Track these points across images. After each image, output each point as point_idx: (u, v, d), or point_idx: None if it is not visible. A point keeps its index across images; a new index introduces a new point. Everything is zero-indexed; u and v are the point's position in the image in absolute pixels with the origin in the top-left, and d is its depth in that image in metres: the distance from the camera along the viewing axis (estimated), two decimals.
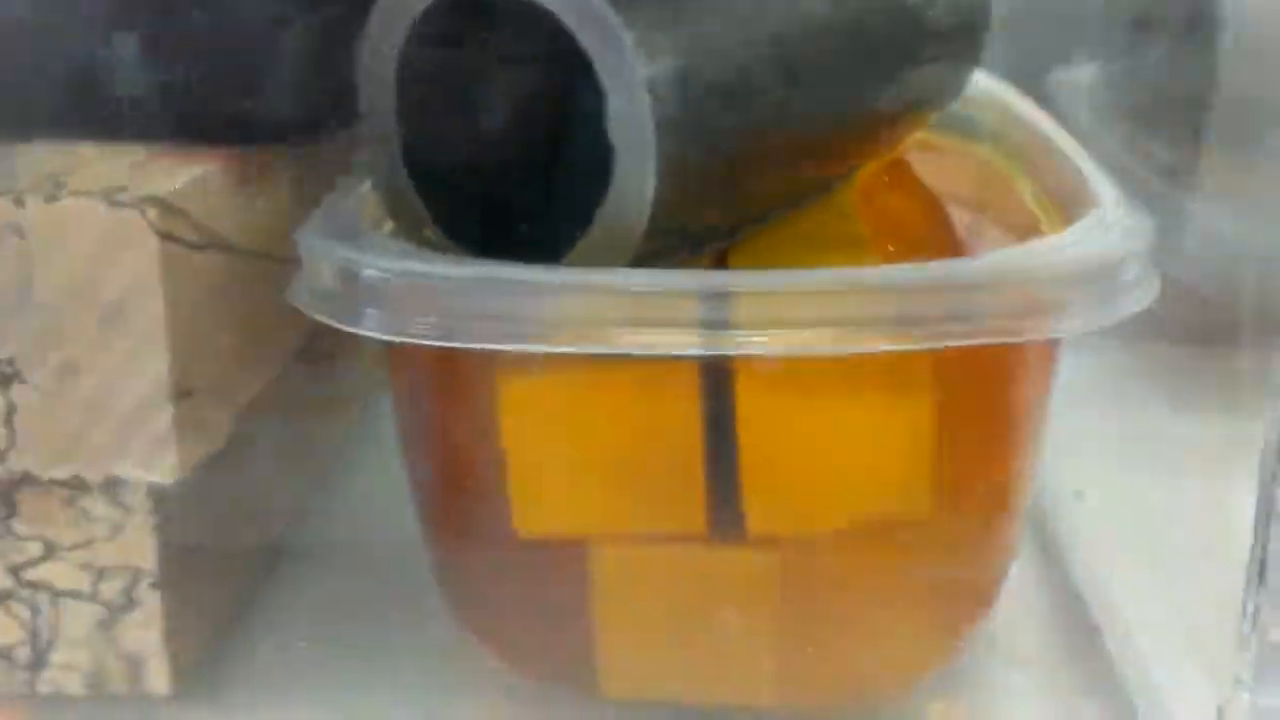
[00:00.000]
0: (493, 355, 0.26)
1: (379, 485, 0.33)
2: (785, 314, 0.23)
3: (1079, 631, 0.31)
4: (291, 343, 0.33)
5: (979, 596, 0.29)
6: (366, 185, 0.29)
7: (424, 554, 0.30)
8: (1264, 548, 0.25)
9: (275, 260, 0.30)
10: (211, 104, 0.28)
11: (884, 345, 0.23)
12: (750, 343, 0.23)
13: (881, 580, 0.28)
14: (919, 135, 0.36)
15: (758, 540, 0.27)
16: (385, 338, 0.25)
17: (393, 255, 0.25)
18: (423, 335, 0.24)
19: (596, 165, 0.25)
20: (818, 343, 0.23)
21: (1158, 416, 0.40)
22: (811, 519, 0.27)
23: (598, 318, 0.24)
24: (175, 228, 0.26)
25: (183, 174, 0.27)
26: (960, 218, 0.35)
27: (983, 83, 0.37)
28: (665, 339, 0.24)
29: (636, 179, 0.24)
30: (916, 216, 0.36)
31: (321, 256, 0.25)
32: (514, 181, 0.28)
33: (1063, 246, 0.25)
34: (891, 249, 0.31)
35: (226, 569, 0.32)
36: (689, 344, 0.24)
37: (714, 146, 0.26)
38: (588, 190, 0.25)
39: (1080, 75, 0.39)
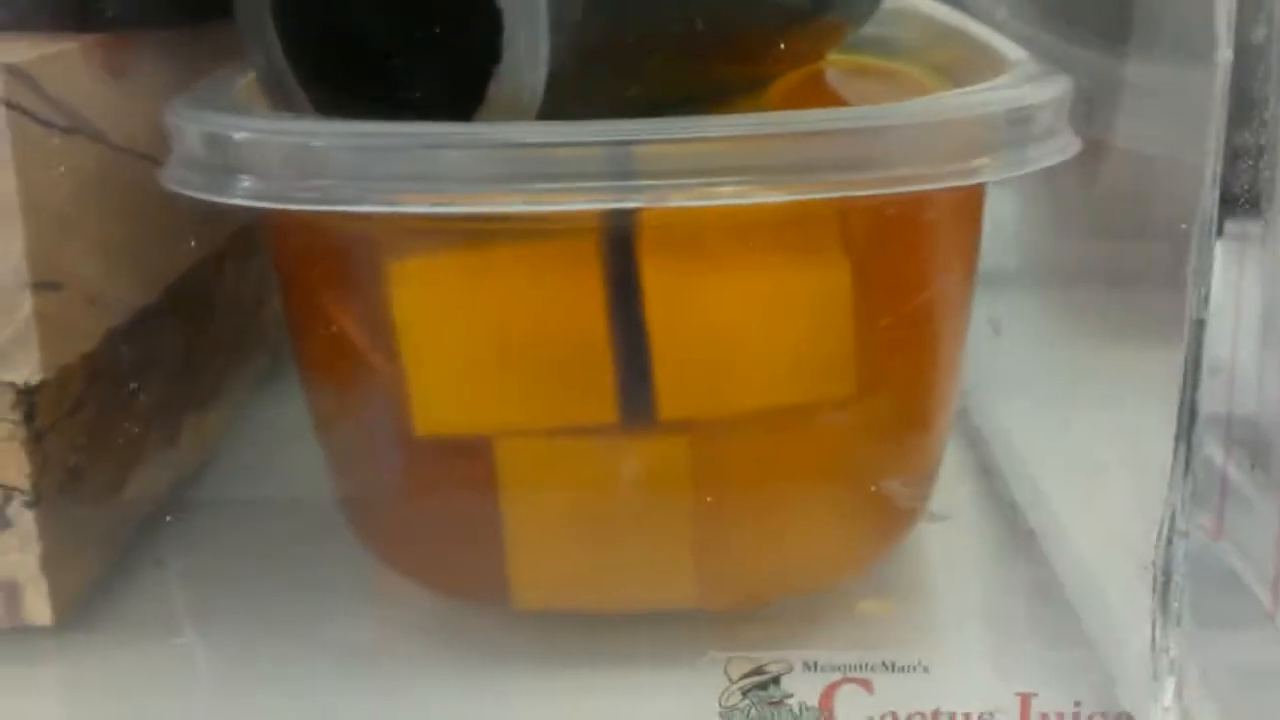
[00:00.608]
0: (380, 233, 0.25)
1: (294, 431, 0.31)
2: (689, 164, 0.22)
3: (1014, 535, 0.30)
4: (189, 258, 0.31)
5: (911, 486, 0.27)
6: (250, 75, 0.27)
7: (324, 472, 0.29)
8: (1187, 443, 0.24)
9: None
10: None
11: (790, 194, 0.22)
12: (656, 194, 0.22)
13: (806, 468, 0.26)
14: (838, 56, 0.35)
15: (671, 426, 0.25)
16: (259, 205, 0.23)
17: (268, 118, 0.23)
18: (301, 201, 0.23)
19: (490, 35, 0.23)
20: (724, 194, 0.22)
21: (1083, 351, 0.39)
22: (727, 401, 0.25)
23: (489, 173, 0.22)
24: (27, 100, 0.24)
25: (37, 48, 0.25)
26: None
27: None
28: (565, 196, 0.22)
29: (528, 45, 0.23)
30: None
31: (189, 123, 0.24)
32: (403, 63, 0.27)
33: (976, 94, 0.24)
34: None
35: (114, 494, 0.30)
36: (590, 198, 0.22)
37: (610, 10, 0.24)
38: (482, 64, 0.24)
39: None
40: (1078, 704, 0.21)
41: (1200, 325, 0.23)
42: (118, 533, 0.30)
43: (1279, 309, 0.32)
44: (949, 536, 0.30)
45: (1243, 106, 0.30)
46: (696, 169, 0.22)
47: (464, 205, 0.22)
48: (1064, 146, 0.24)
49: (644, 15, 0.26)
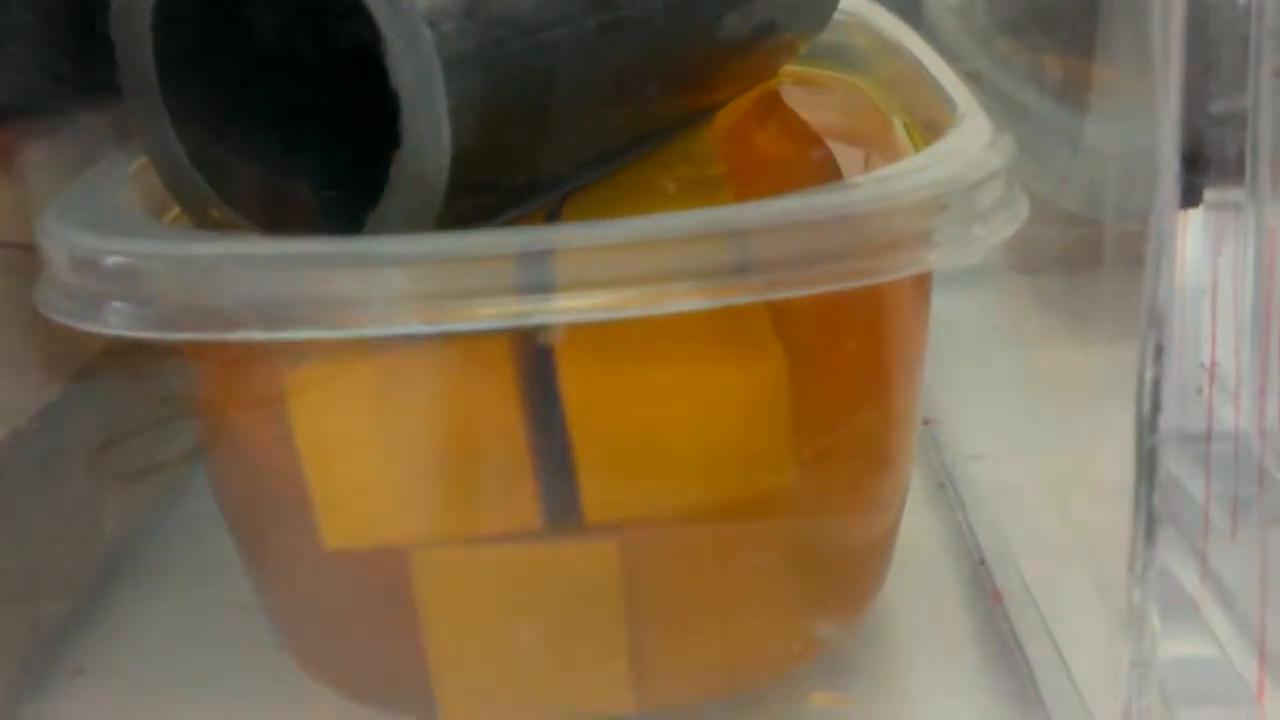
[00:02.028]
0: (277, 345, 0.23)
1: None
2: (608, 271, 0.20)
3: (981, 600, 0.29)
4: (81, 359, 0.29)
5: (862, 568, 0.26)
6: (134, 164, 0.25)
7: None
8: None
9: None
10: None
11: (722, 299, 0.20)
12: (574, 308, 0.20)
13: (746, 561, 0.25)
14: (793, 68, 0.33)
15: (598, 529, 0.23)
16: (135, 335, 0.21)
17: (143, 236, 0.21)
18: (180, 329, 0.21)
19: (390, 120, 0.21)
20: (624, 304, 0.20)
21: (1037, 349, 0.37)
22: (656, 500, 0.23)
23: (390, 292, 0.20)
24: None
25: None
26: (848, 155, 0.32)
27: (856, 5, 0.34)
28: (469, 312, 0.20)
29: (429, 126, 0.21)
30: (790, 153, 0.33)
31: (57, 243, 0.22)
32: (306, 146, 0.25)
33: (912, 172, 0.22)
34: (760, 189, 0.28)
35: (20, 601, 0.28)
36: (504, 316, 0.20)
37: (518, 82, 0.22)
38: (386, 150, 0.22)
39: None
40: None
41: (1158, 317, 0.20)
42: (24, 642, 0.28)
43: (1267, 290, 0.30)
44: (911, 612, 0.28)
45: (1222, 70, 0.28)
46: (609, 278, 0.20)
47: (349, 329, 0.20)
48: (1014, 215, 0.22)
49: (554, 84, 0.24)
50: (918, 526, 0.30)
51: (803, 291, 0.20)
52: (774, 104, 0.33)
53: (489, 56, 0.21)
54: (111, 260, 0.21)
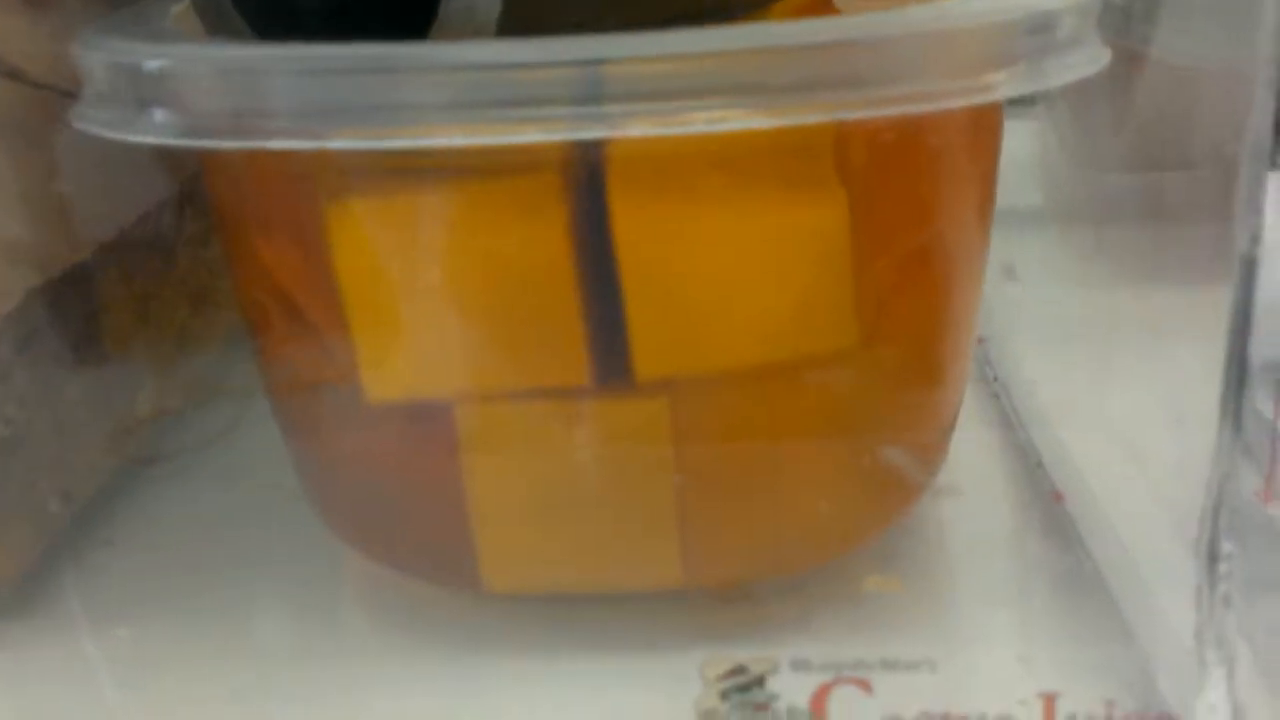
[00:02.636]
0: (319, 173, 0.22)
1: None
2: (665, 84, 0.19)
3: (1040, 503, 0.27)
4: (134, 208, 0.29)
5: (922, 449, 0.25)
6: (184, 3, 0.24)
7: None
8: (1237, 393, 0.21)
9: None
10: None
11: (779, 118, 0.19)
12: (628, 120, 0.19)
13: (802, 430, 0.23)
14: None
15: (650, 387, 0.22)
16: (173, 143, 0.20)
17: (185, 43, 0.21)
18: (221, 136, 0.20)
19: None
20: (704, 119, 0.19)
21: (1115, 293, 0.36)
22: (711, 356, 0.22)
23: (439, 100, 0.19)
24: None
25: None
26: None
27: None
28: (526, 125, 0.19)
29: None
30: None
31: (96, 51, 0.21)
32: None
33: (991, 5, 0.20)
34: None
35: (54, 469, 0.28)
36: (554, 127, 0.19)
37: None
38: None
39: None
40: (1110, 703, 0.18)
41: (1252, 263, 0.20)
42: (60, 511, 0.28)
43: None
44: (965, 506, 0.27)
45: None
46: (673, 90, 0.19)
47: (407, 139, 0.20)
48: (1091, 58, 0.21)
49: None
50: (971, 431, 0.29)
51: (868, 114, 0.19)
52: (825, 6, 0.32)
53: None
54: (152, 64, 0.20)
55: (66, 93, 0.25)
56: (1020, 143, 0.38)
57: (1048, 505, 0.27)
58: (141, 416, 0.30)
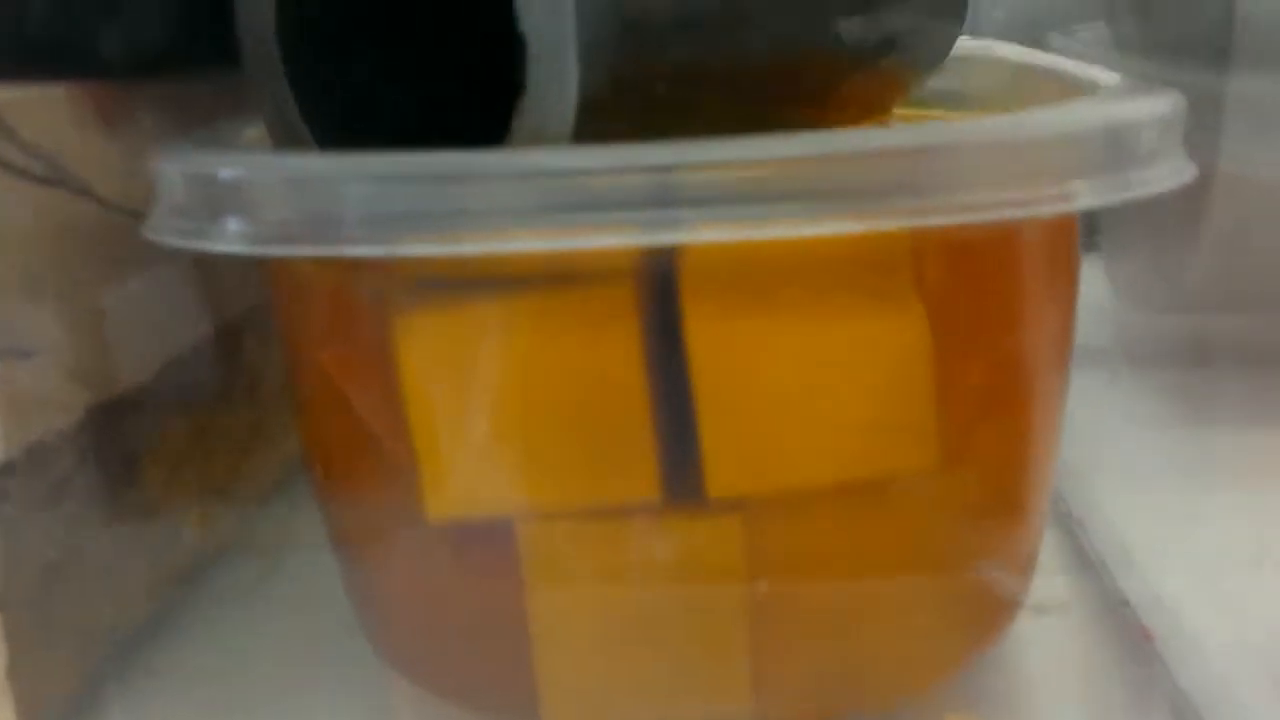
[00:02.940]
0: (386, 287, 0.22)
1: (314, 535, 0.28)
2: (739, 190, 0.19)
3: (1128, 636, 0.26)
4: (195, 332, 0.29)
5: (1006, 574, 0.24)
6: (258, 126, 0.25)
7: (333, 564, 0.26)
8: None
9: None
10: (55, 29, 0.24)
11: (856, 223, 0.19)
12: (702, 225, 0.19)
13: (880, 553, 0.22)
14: (905, 110, 0.32)
15: (722, 505, 0.22)
16: (247, 252, 0.20)
17: (259, 154, 0.21)
18: (293, 243, 0.20)
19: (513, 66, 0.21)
20: (779, 226, 0.19)
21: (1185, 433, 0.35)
22: (786, 474, 0.21)
23: (511, 206, 0.19)
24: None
25: (15, 92, 0.23)
26: None
27: (972, 45, 0.33)
28: (601, 229, 0.19)
29: (556, 71, 0.20)
30: None
31: (174, 165, 0.21)
32: (421, 98, 0.24)
33: (1067, 109, 0.20)
34: None
35: (101, 595, 0.27)
36: (629, 232, 0.19)
37: (649, 44, 0.22)
38: (506, 97, 0.21)
39: (1083, 35, 0.36)
40: None
41: None
42: (104, 638, 0.27)
43: None
44: (1050, 644, 0.26)
45: None
46: (747, 196, 0.19)
47: (477, 245, 0.19)
48: (1175, 171, 0.20)
49: (684, 46, 0.23)
50: (1050, 570, 0.28)
51: (946, 221, 0.19)
52: None
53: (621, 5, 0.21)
54: (226, 174, 0.20)
55: (134, 214, 0.25)
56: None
57: (1136, 645, 0.25)
58: (188, 549, 0.30)
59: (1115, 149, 0.20)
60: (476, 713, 0.25)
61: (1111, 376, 0.36)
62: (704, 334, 0.21)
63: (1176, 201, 0.33)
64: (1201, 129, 0.27)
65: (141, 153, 0.23)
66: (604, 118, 0.21)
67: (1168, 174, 0.20)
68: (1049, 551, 0.28)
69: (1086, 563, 0.28)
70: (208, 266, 0.28)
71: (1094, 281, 0.40)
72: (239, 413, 0.31)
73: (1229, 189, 0.30)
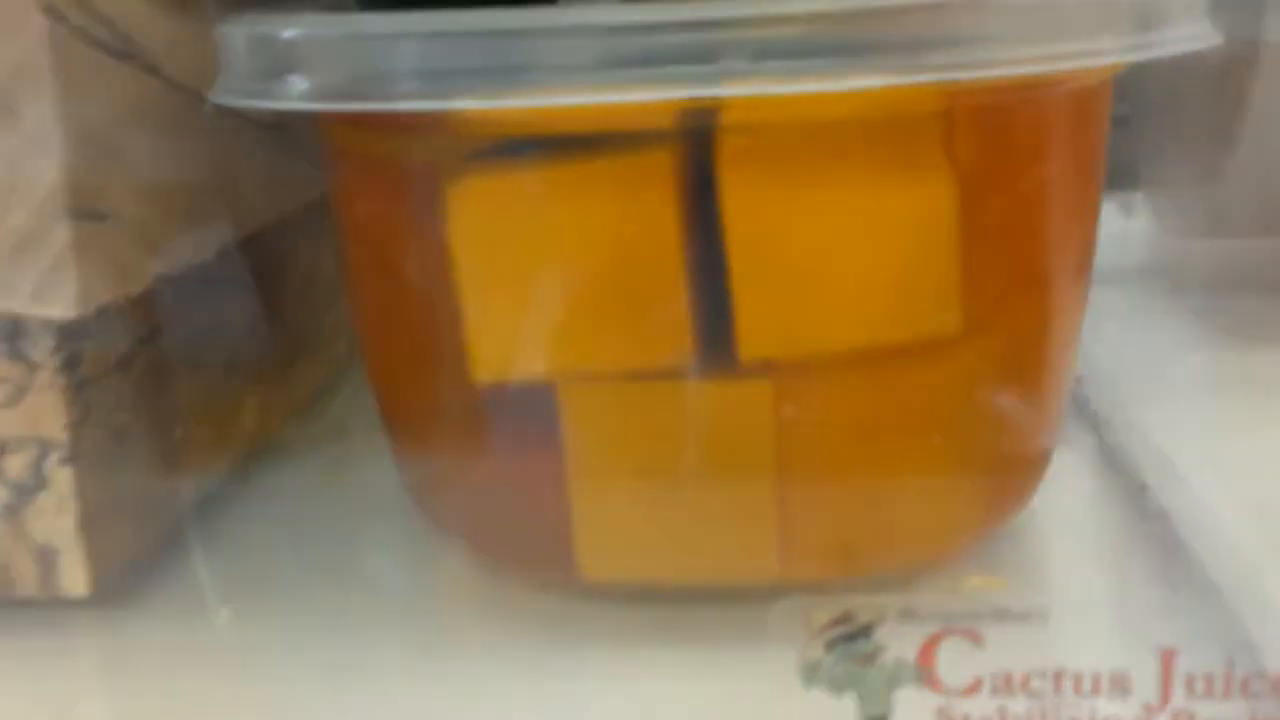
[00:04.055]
0: (437, 154, 0.23)
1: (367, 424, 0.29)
2: (776, 46, 0.20)
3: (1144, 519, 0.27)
4: (255, 219, 0.30)
5: (1030, 442, 0.24)
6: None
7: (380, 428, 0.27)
8: None
9: None
10: None
11: (893, 77, 0.20)
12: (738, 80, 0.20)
13: (906, 418, 0.23)
14: None
15: (753, 368, 0.23)
16: (309, 108, 0.21)
17: (319, 15, 0.22)
18: (352, 99, 0.21)
19: None
20: (811, 80, 0.20)
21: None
22: (815, 338, 0.22)
23: (555, 62, 0.20)
24: (71, 12, 0.23)
25: None
26: None
27: None
28: (641, 86, 0.20)
29: None
30: None
31: (238, 28, 0.22)
32: None
33: None
34: None
35: (165, 462, 0.28)
36: (669, 88, 0.20)
37: None
38: None
39: None
40: (1230, 660, 0.18)
41: None
42: (168, 504, 0.28)
43: None
44: (1068, 521, 0.26)
45: None
46: (784, 49, 0.20)
47: (525, 100, 0.20)
48: (1200, 35, 0.21)
49: None
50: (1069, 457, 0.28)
51: (983, 75, 0.20)
52: None
53: None
54: (288, 33, 0.21)
55: (201, 94, 0.26)
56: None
57: (1153, 523, 0.26)
58: (247, 429, 0.31)
59: (1140, 9, 0.20)
60: (520, 572, 0.26)
61: (1149, 300, 0.36)
62: (738, 199, 0.22)
63: (1213, 127, 0.33)
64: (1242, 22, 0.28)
65: (207, 34, 0.24)
66: None
67: (1192, 36, 0.21)
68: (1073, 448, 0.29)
69: (1109, 455, 0.29)
70: (270, 155, 0.29)
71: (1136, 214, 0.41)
72: (295, 304, 0.32)
73: (1265, 108, 0.31)
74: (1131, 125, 0.35)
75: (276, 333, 0.32)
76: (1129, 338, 0.35)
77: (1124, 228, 0.37)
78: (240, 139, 0.28)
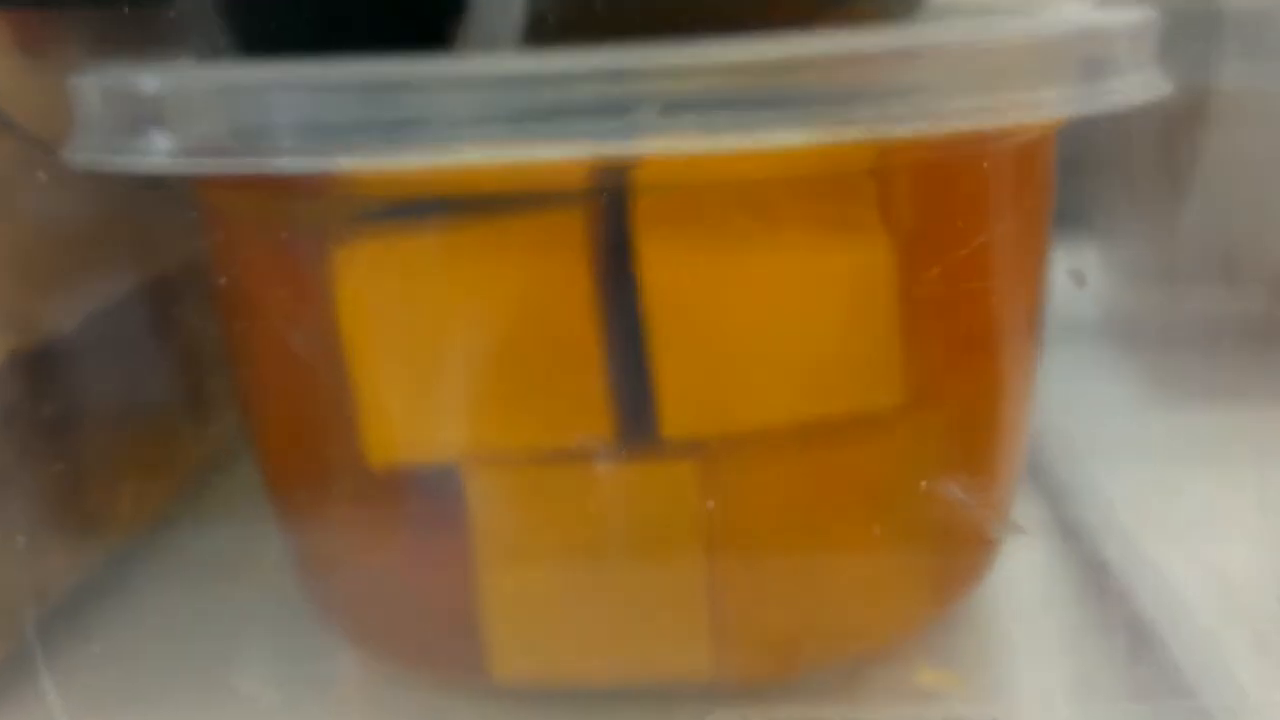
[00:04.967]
0: (324, 214, 0.21)
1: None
2: (695, 98, 0.18)
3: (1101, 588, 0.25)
4: (125, 281, 0.27)
5: (978, 520, 0.22)
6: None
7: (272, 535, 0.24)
8: None
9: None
10: None
11: (820, 133, 0.18)
12: (654, 135, 0.18)
13: (845, 498, 0.21)
14: None
15: (677, 446, 0.20)
16: (172, 169, 0.19)
17: (185, 65, 0.20)
18: (218, 158, 0.19)
19: None
20: (733, 134, 0.18)
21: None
22: (744, 413, 0.20)
23: (453, 116, 0.18)
24: None
25: None
26: None
27: None
28: (548, 143, 0.18)
29: None
30: None
31: (91, 81, 0.20)
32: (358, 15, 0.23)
33: (1040, 17, 0.19)
34: None
35: (27, 564, 0.25)
36: (578, 144, 0.18)
37: None
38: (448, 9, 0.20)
39: None
40: None
41: None
42: (30, 606, 0.26)
43: None
44: (1023, 599, 0.24)
45: None
46: (702, 102, 0.18)
47: (418, 157, 0.18)
48: (1148, 84, 0.19)
49: None
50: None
51: (912, 129, 0.18)
52: None
53: None
54: (149, 84, 0.19)
55: (57, 149, 0.24)
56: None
57: (1114, 604, 0.24)
58: (122, 516, 0.28)
59: (1086, 58, 0.19)
60: (424, 674, 0.23)
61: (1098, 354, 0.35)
62: (657, 263, 0.20)
63: (1167, 172, 0.32)
64: (1199, 54, 0.26)
65: (64, 85, 0.22)
66: (557, 24, 0.20)
67: (1140, 86, 0.19)
68: (1028, 515, 0.27)
69: (1067, 527, 0.27)
70: (139, 211, 0.27)
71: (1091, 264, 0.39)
72: (174, 377, 0.29)
73: (1225, 120, 0.29)
74: (1079, 170, 0.34)
75: (157, 407, 0.29)
76: (1082, 394, 0.33)
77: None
78: (109, 194, 0.25)
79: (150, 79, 0.19)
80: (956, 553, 0.23)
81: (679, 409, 0.20)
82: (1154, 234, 0.31)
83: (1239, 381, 0.32)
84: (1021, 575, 0.25)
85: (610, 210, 0.20)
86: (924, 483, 0.22)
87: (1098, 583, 0.25)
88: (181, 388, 0.31)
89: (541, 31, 0.19)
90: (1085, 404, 0.31)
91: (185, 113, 0.19)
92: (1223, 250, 0.29)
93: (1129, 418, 0.31)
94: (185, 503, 0.31)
